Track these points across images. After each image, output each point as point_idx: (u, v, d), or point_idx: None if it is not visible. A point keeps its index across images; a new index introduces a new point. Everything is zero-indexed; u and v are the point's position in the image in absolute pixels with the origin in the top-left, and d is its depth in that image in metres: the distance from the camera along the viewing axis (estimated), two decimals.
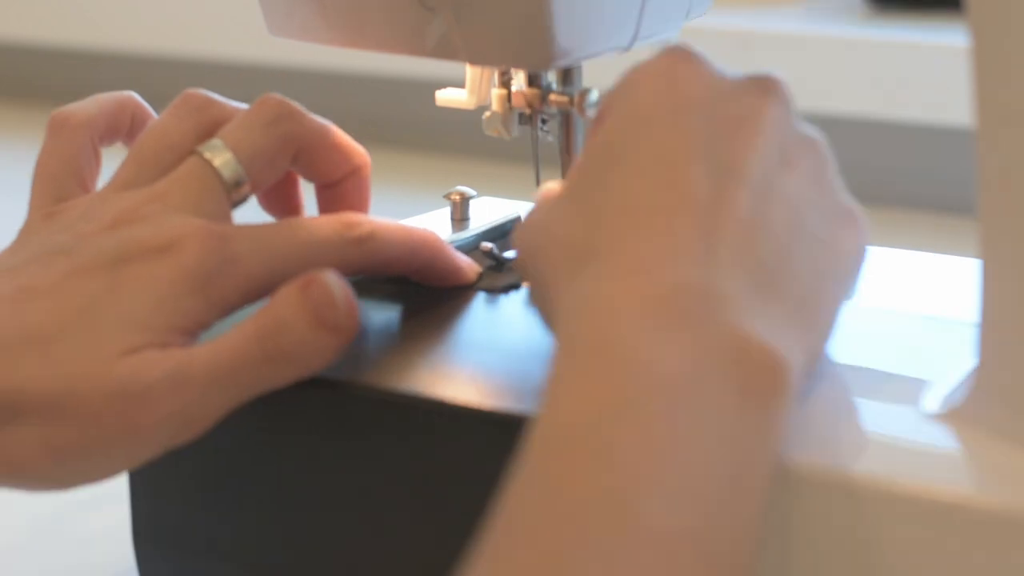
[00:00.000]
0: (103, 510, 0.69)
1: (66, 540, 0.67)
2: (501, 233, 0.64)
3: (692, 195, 0.45)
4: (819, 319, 0.48)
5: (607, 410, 0.41)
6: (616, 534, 0.39)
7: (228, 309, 0.52)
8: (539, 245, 0.48)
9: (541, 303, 0.49)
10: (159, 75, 1.43)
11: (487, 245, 0.62)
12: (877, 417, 0.50)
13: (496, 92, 0.62)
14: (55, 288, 0.51)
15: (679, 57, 0.49)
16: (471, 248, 0.62)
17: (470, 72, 0.62)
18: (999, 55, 0.46)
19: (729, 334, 0.43)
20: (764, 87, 0.49)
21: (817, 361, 0.48)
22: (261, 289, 0.53)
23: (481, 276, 0.60)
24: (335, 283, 0.51)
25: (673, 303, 0.43)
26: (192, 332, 0.52)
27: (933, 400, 0.50)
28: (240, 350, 0.51)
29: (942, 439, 0.48)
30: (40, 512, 0.69)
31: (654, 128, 0.47)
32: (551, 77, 0.61)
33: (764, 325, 0.44)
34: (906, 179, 1.12)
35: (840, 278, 0.49)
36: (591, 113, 0.59)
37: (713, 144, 0.47)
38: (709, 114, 0.48)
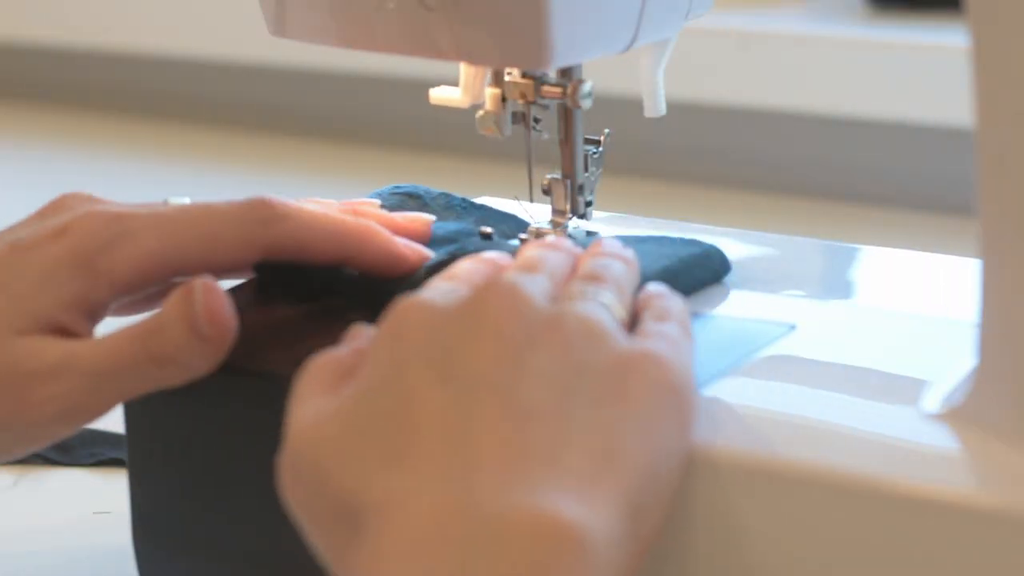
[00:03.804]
0: (103, 510, 0.69)
1: (66, 540, 0.67)
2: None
3: (431, 421, 0.45)
4: (625, 465, 0.45)
5: None
6: None
7: (122, 284, 0.54)
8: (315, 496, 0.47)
9: (322, 545, 0.47)
10: (159, 75, 1.43)
11: (487, 229, 0.62)
12: (877, 417, 0.50)
13: (490, 91, 0.62)
14: None
15: (409, 306, 0.48)
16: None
17: (464, 71, 0.62)
18: (999, 55, 0.46)
19: (494, 527, 0.42)
20: (487, 290, 0.48)
21: (651, 496, 0.46)
22: (163, 266, 0.54)
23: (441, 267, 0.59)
24: (210, 292, 0.53)
25: (435, 530, 0.43)
26: (84, 310, 0.54)
27: (933, 400, 0.50)
28: (124, 348, 0.53)
29: (942, 439, 0.48)
30: (40, 512, 0.69)
31: (401, 371, 0.46)
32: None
33: (542, 499, 0.43)
34: (906, 179, 1.12)
35: (640, 421, 0.46)
36: (585, 104, 0.59)
37: (448, 364, 0.46)
38: (437, 335, 0.47)
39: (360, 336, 0.50)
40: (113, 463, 0.72)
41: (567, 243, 0.53)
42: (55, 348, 0.53)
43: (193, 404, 0.57)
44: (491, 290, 0.48)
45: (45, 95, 1.49)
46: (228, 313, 0.53)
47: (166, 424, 0.58)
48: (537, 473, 0.44)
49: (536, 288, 0.48)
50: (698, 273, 0.60)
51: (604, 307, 0.49)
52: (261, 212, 0.56)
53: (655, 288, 0.53)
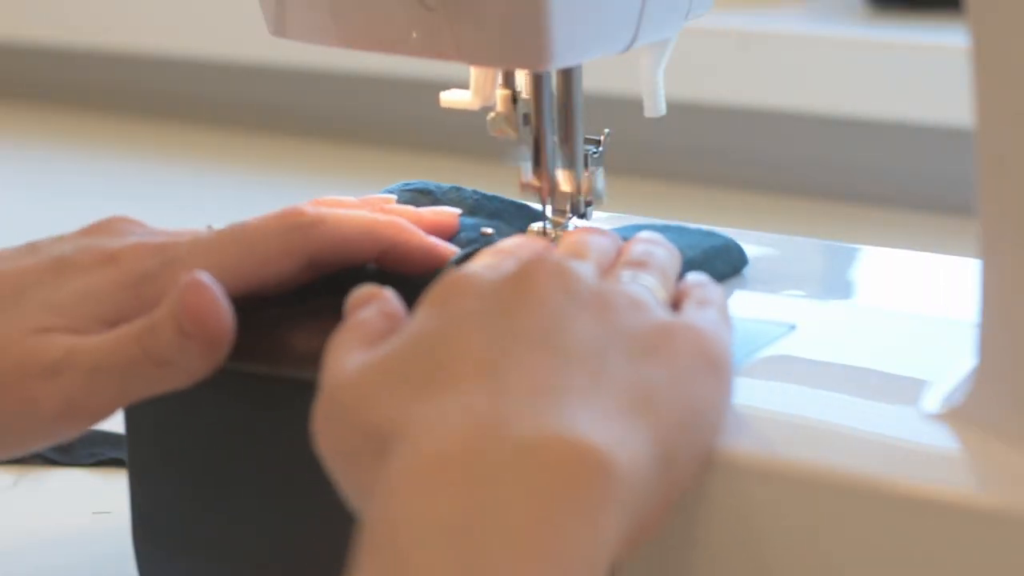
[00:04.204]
0: (103, 510, 0.69)
1: (66, 540, 0.67)
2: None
3: (470, 357, 0.45)
4: (659, 413, 0.45)
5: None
6: None
7: None
8: (344, 429, 0.47)
9: (350, 477, 0.48)
10: (159, 75, 1.43)
11: (487, 230, 0.62)
12: (877, 417, 0.50)
13: (500, 92, 0.62)
14: (2, 275, 0.55)
15: (457, 278, 0.49)
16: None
17: (474, 73, 0.62)
18: (999, 55, 0.46)
19: (522, 448, 0.42)
20: (535, 265, 0.49)
21: (683, 451, 0.46)
22: None
23: (466, 259, 0.60)
24: (192, 289, 0.53)
25: (464, 447, 0.43)
26: (117, 324, 0.54)
27: (933, 400, 0.50)
28: (122, 345, 0.53)
29: (942, 439, 0.48)
30: (40, 512, 0.69)
31: (446, 323, 0.47)
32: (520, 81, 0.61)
33: (573, 425, 0.43)
34: (906, 179, 1.12)
35: (677, 379, 0.47)
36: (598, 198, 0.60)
37: (491, 320, 0.47)
38: (484, 302, 0.48)
39: (386, 300, 0.50)
40: (113, 463, 0.72)
41: (611, 232, 0.54)
42: (60, 344, 0.53)
43: (193, 404, 0.57)
44: (539, 265, 0.48)
45: (45, 95, 1.49)
46: (214, 310, 0.53)
47: (166, 424, 0.58)
48: (570, 405, 0.44)
49: (583, 269, 0.49)
50: (719, 265, 0.61)
51: (648, 290, 0.50)
52: (296, 220, 0.56)
53: (696, 276, 0.54)
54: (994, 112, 0.46)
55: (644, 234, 0.55)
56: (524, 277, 0.48)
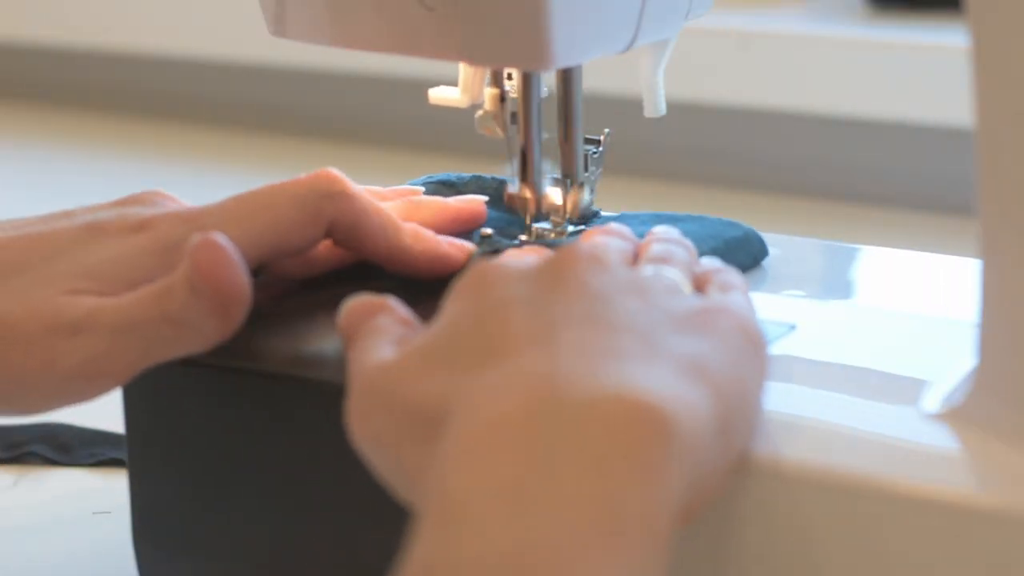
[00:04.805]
0: (103, 510, 0.69)
1: (66, 540, 0.67)
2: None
3: (518, 332, 0.46)
4: (714, 380, 0.45)
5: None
6: None
7: None
8: (388, 412, 0.47)
9: (392, 463, 0.48)
10: (159, 75, 1.43)
11: (487, 231, 0.62)
12: (877, 417, 0.50)
13: (488, 91, 0.62)
14: (36, 237, 0.55)
15: (486, 267, 0.49)
16: None
17: (463, 70, 0.62)
18: (999, 55, 0.46)
19: (581, 409, 0.42)
20: (568, 252, 0.49)
21: (738, 419, 0.46)
22: (241, 251, 0.54)
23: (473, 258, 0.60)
24: (205, 248, 0.53)
25: (523, 410, 0.43)
26: None
27: (933, 400, 0.50)
28: (143, 305, 0.53)
29: (942, 439, 0.48)
30: (40, 512, 0.69)
31: (486, 306, 0.47)
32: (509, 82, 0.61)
33: (632, 383, 0.43)
34: (906, 179, 1.12)
35: (725, 352, 0.47)
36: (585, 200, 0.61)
37: (534, 301, 0.47)
38: (522, 287, 0.48)
39: (395, 308, 0.51)
40: (113, 463, 0.72)
41: (627, 230, 0.54)
42: (84, 303, 0.53)
43: (193, 404, 0.57)
44: (573, 252, 0.49)
45: (45, 95, 1.49)
46: (227, 270, 0.53)
47: (166, 424, 0.58)
48: (628, 368, 0.44)
49: (615, 258, 0.49)
50: (740, 256, 0.61)
51: (674, 282, 0.50)
52: (327, 186, 0.57)
53: (712, 262, 0.54)
54: (994, 112, 0.46)
55: (659, 230, 0.55)
56: (561, 264, 0.48)
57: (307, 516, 0.56)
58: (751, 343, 0.48)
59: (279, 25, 0.62)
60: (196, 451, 0.58)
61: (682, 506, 0.42)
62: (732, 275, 0.53)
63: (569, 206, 0.61)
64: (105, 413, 0.66)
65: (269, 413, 0.56)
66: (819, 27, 1.17)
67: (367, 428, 0.47)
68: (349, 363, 0.49)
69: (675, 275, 0.50)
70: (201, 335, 0.53)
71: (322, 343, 0.56)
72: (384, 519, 0.54)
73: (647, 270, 0.50)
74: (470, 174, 0.66)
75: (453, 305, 0.48)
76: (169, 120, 1.41)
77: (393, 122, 1.29)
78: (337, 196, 0.57)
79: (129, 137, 1.39)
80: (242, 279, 0.53)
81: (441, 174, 0.67)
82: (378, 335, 0.49)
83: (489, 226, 0.62)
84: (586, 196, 0.62)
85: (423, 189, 0.64)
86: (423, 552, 0.41)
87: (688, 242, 0.55)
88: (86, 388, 0.54)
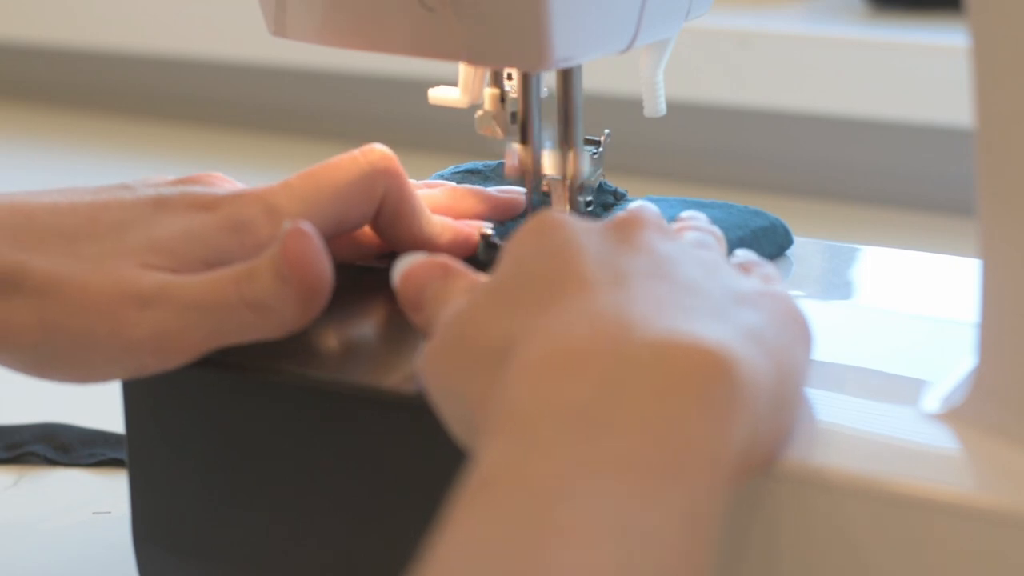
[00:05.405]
0: (103, 510, 0.69)
1: (66, 540, 0.67)
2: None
3: (587, 275, 0.46)
4: (771, 347, 0.46)
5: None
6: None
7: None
8: (460, 355, 0.48)
9: (456, 402, 0.48)
10: (159, 75, 1.43)
11: (487, 231, 0.62)
12: (877, 417, 0.50)
13: (488, 91, 0.62)
14: (102, 206, 0.55)
15: (546, 215, 0.50)
16: None
17: (463, 71, 0.62)
18: (999, 55, 0.46)
19: (644, 349, 0.43)
20: (630, 214, 0.50)
21: (790, 391, 0.47)
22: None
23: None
24: (295, 237, 0.53)
25: (592, 345, 0.43)
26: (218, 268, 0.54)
27: (933, 400, 0.50)
28: (220, 287, 0.53)
29: (942, 439, 0.48)
30: (40, 512, 0.69)
31: (552, 249, 0.48)
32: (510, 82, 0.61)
33: (697, 331, 0.43)
34: (906, 179, 1.12)
35: (777, 328, 0.47)
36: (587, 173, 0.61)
37: (601, 253, 0.48)
38: (588, 239, 0.48)
39: (453, 265, 0.52)
40: (113, 463, 0.72)
41: (658, 211, 0.54)
42: (159, 277, 0.53)
43: (193, 404, 0.57)
44: (638, 216, 0.50)
45: (45, 95, 1.49)
46: (313, 259, 0.53)
47: (166, 424, 0.58)
48: (695, 319, 0.44)
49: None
50: (765, 245, 0.61)
51: (731, 264, 0.51)
52: (378, 163, 0.58)
53: (747, 253, 0.55)
54: (994, 112, 0.46)
55: (689, 215, 0.56)
56: (627, 225, 0.49)
57: (307, 516, 0.56)
58: (800, 327, 0.49)
59: (279, 25, 0.62)
60: (196, 451, 0.58)
61: (741, 457, 0.43)
62: (770, 268, 0.53)
63: (570, 205, 0.61)
64: (105, 413, 0.66)
65: (269, 413, 0.56)
66: (819, 27, 1.17)
67: (439, 377, 0.48)
68: (433, 314, 0.50)
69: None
70: (281, 322, 0.53)
71: (324, 343, 0.56)
72: (386, 521, 0.54)
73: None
74: (496, 161, 0.66)
75: (517, 248, 0.48)
76: (169, 120, 1.41)
77: (393, 122, 1.29)
78: (386, 173, 0.58)
79: (129, 137, 1.39)
80: (328, 270, 0.53)
81: (468, 163, 0.67)
82: (450, 290, 0.51)
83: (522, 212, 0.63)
84: (585, 163, 0.62)
85: (452, 184, 0.64)
86: (485, 466, 0.41)
87: (717, 230, 0.55)
88: (150, 361, 0.54)
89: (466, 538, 0.39)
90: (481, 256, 0.60)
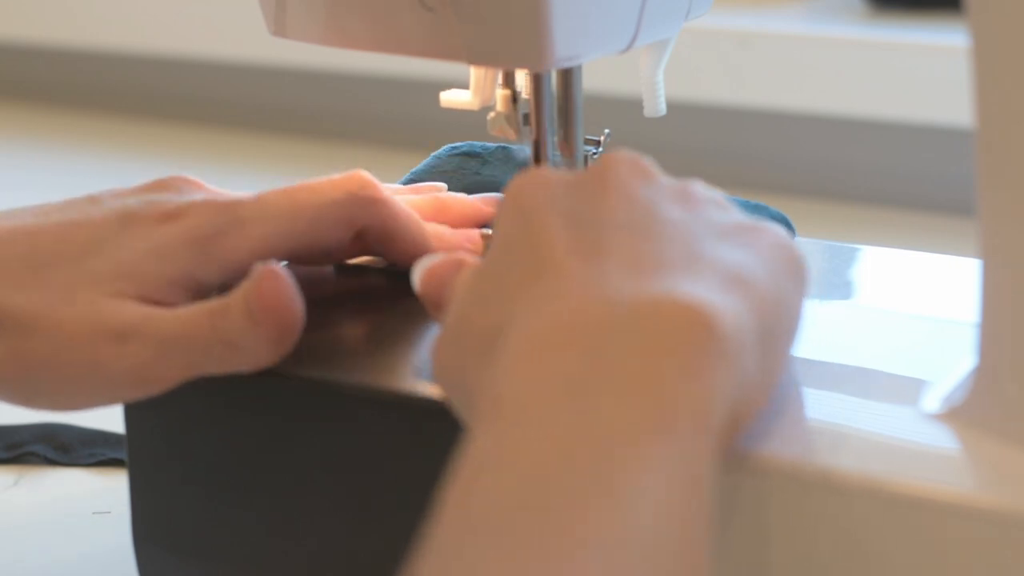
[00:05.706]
0: (103, 510, 0.69)
1: (66, 540, 0.67)
2: None
3: (561, 247, 0.46)
4: (755, 288, 0.46)
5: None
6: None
7: (232, 268, 0.55)
8: (458, 342, 0.48)
9: (458, 388, 0.49)
10: (159, 75, 1.43)
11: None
12: (877, 417, 0.50)
13: (500, 92, 0.62)
14: (70, 224, 0.55)
15: (525, 178, 0.50)
16: None
17: (474, 73, 0.62)
18: (999, 55, 0.46)
19: (627, 312, 0.43)
20: (609, 159, 0.50)
21: (778, 331, 0.47)
22: (272, 250, 0.55)
23: None
24: (266, 278, 0.53)
25: (571, 318, 0.44)
26: (189, 288, 0.54)
27: (933, 400, 0.50)
28: (195, 322, 0.53)
29: (942, 439, 0.48)
30: (40, 512, 0.69)
31: (527, 225, 0.48)
32: (521, 82, 0.61)
33: (675, 288, 0.44)
34: (906, 179, 1.12)
35: (766, 265, 0.47)
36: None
37: (577, 210, 0.48)
38: (565, 191, 0.49)
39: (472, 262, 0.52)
40: (113, 463, 0.72)
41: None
42: (135, 311, 0.53)
43: (194, 404, 0.57)
44: (615, 158, 0.49)
45: (45, 95, 1.49)
46: (284, 300, 0.53)
47: (166, 424, 0.58)
48: (671, 276, 0.44)
49: (655, 168, 0.50)
50: None
51: (719, 196, 0.51)
52: (360, 193, 0.58)
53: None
54: (994, 112, 0.46)
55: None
56: (604, 170, 0.49)
57: (307, 516, 0.56)
58: (792, 263, 0.48)
59: (279, 25, 0.62)
60: (196, 451, 0.58)
61: (731, 411, 0.43)
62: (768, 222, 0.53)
63: None
64: (105, 413, 0.66)
65: (269, 413, 0.56)
66: (819, 27, 1.17)
67: (442, 365, 0.49)
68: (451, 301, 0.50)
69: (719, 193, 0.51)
70: (253, 358, 0.53)
71: (324, 343, 0.56)
72: (386, 521, 0.54)
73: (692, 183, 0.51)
74: (495, 144, 0.66)
75: (501, 228, 0.49)
76: (169, 120, 1.41)
77: (393, 122, 1.29)
78: (371, 202, 0.58)
79: (129, 137, 1.39)
80: (300, 310, 0.53)
81: (465, 143, 0.67)
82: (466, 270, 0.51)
83: None
84: None
85: (445, 186, 0.64)
86: (474, 451, 0.41)
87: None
88: (129, 393, 0.54)
89: (462, 525, 0.39)
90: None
